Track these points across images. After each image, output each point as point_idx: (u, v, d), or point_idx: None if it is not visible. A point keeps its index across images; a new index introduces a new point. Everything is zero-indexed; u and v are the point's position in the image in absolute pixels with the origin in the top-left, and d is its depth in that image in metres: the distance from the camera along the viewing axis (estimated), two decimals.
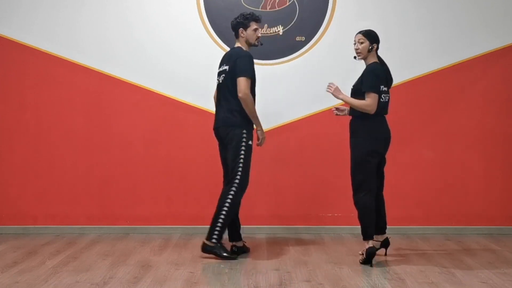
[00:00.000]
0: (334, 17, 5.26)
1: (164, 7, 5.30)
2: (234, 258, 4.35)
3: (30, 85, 5.31)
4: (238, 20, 4.43)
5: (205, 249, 4.36)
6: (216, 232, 4.31)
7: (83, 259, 4.38)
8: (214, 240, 4.32)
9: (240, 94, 4.26)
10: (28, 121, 5.32)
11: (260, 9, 5.27)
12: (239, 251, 4.48)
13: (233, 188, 4.31)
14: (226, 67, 4.39)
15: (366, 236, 4.19)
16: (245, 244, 4.59)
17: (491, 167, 5.34)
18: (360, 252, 4.45)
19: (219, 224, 4.30)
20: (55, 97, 5.31)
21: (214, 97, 4.59)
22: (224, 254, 4.34)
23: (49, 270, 4.07)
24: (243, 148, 4.32)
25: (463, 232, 5.29)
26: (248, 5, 5.25)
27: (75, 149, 5.32)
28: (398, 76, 5.03)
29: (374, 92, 4.14)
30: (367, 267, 4.16)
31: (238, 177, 4.31)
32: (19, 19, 5.26)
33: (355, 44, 4.27)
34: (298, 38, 5.30)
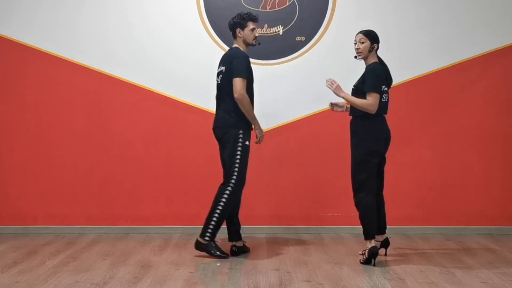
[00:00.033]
0: (334, 17, 5.26)
1: (164, 7, 5.30)
2: (226, 257, 4.37)
3: (30, 85, 5.31)
4: (235, 20, 4.43)
5: (198, 246, 4.41)
6: (209, 230, 4.34)
7: (83, 259, 4.38)
8: (207, 238, 4.36)
9: (236, 95, 4.27)
10: (28, 121, 5.32)
11: (260, 9, 5.27)
12: (239, 251, 4.48)
13: (229, 188, 4.34)
14: (223, 68, 4.40)
15: (368, 235, 4.19)
16: (245, 244, 4.59)
17: (491, 167, 5.34)
18: (360, 252, 4.45)
19: (212, 223, 4.34)
20: (55, 97, 5.31)
21: (216, 98, 4.60)
22: (217, 252, 4.37)
23: (49, 270, 4.07)
24: (239, 148, 4.33)
25: (463, 232, 5.29)
26: (248, 5, 5.25)
27: (75, 149, 5.32)
28: (398, 76, 5.03)
29: (376, 92, 4.15)
30: (367, 267, 4.16)
31: (234, 177, 4.33)
32: (19, 19, 5.26)
33: (355, 43, 4.27)
34: (298, 38, 5.30)
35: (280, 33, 5.30)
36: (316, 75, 5.17)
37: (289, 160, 5.34)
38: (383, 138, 4.29)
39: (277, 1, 5.28)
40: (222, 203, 4.33)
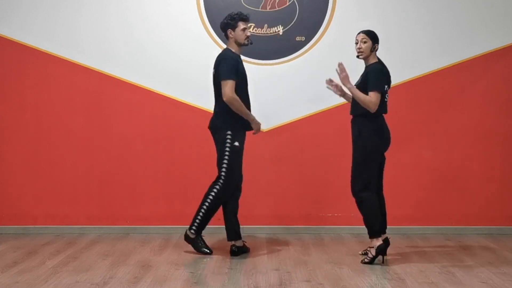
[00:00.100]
0: (334, 17, 5.26)
1: (164, 7, 5.30)
2: (211, 253, 4.48)
3: (30, 85, 5.30)
4: (225, 21, 4.44)
5: (186, 238, 4.55)
6: (195, 224, 4.47)
7: (83, 259, 4.38)
8: (192, 231, 4.48)
9: (224, 98, 4.30)
10: (28, 121, 5.32)
11: (260, 9, 5.27)
12: (239, 251, 4.48)
13: (217, 187, 4.41)
14: (214, 70, 4.45)
15: (375, 234, 4.20)
16: (245, 244, 4.59)
17: (491, 167, 5.34)
18: (361, 252, 4.46)
19: (199, 217, 4.46)
20: (55, 97, 5.31)
21: None
22: (202, 248, 4.49)
23: (49, 270, 4.07)
24: (227, 149, 4.37)
25: (463, 232, 5.29)
26: (248, 5, 5.25)
27: (75, 149, 5.32)
28: (398, 76, 5.03)
29: (379, 91, 4.15)
30: (367, 266, 4.15)
31: (222, 177, 4.40)
32: (19, 19, 5.26)
33: (357, 43, 4.26)
34: (298, 38, 5.30)
35: (280, 33, 5.30)
36: (316, 75, 5.16)
37: (289, 160, 5.34)
38: (386, 137, 4.30)
39: (277, 1, 5.28)
40: (209, 200, 4.42)
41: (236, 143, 4.38)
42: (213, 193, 4.41)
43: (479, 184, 5.34)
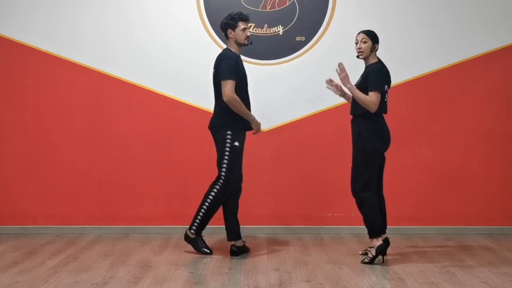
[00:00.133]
0: (334, 17, 5.26)
1: (164, 7, 5.30)
2: (211, 253, 4.48)
3: (30, 85, 5.30)
4: (225, 21, 4.45)
5: (186, 238, 4.56)
6: (195, 224, 4.48)
7: (83, 259, 4.38)
8: (192, 231, 4.49)
9: (224, 98, 4.31)
10: (28, 121, 5.32)
11: (260, 9, 5.27)
12: (239, 251, 4.48)
13: (217, 187, 4.42)
14: (214, 70, 4.45)
15: (375, 233, 4.21)
16: (245, 244, 4.59)
17: (491, 167, 5.34)
18: (361, 252, 4.46)
19: (199, 217, 4.47)
20: (55, 97, 5.31)
21: None
22: (202, 248, 4.50)
23: (49, 270, 4.07)
24: (227, 149, 4.37)
25: (463, 232, 5.29)
26: (248, 5, 5.25)
27: (75, 149, 5.32)
28: (398, 76, 5.03)
29: (379, 91, 4.15)
30: (367, 266, 4.15)
31: (222, 177, 4.41)
32: (19, 19, 5.26)
33: (357, 43, 4.26)
34: (298, 38, 5.30)
35: (280, 33, 5.29)
36: (316, 75, 5.16)
37: (289, 160, 5.34)
38: (386, 137, 4.30)
39: (277, 1, 5.28)
40: (209, 200, 4.43)
41: (236, 143, 4.39)
42: (213, 193, 4.42)
43: (479, 184, 5.34)
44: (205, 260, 4.33)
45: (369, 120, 4.21)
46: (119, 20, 5.29)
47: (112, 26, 5.28)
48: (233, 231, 4.50)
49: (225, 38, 4.55)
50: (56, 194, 5.33)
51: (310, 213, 5.35)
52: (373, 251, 4.19)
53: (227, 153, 4.37)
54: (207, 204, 4.43)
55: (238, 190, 4.55)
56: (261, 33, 5.26)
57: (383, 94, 4.19)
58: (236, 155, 4.41)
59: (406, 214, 5.31)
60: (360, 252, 4.49)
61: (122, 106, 5.32)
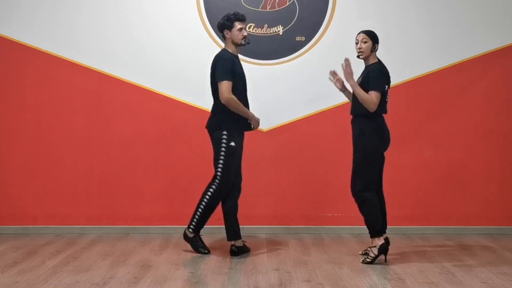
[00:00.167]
0: (334, 17, 5.26)
1: (164, 7, 5.30)
2: (208, 253, 4.51)
3: (30, 85, 5.30)
4: (221, 22, 4.45)
5: (185, 237, 4.58)
6: (193, 223, 4.50)
7: (83, 259, 4.38)
8: (190, 230, 4.51)
9: (222, 99, 4.32)
10: (28, 121, 5.32)
11: (260, 9, 5.27)
12: (239, 251, 4.48)
13: (213, 186, 4.44)
14: (211, 71, 4.46)
15: (377, 233, 4.21)
16: (245, 244, 4.59)
17: (491, 167, 5.34)
18: (361, 252, 4.46)
19: (196, 216, 4.49)
20: (55, 97, 5.31)
21: None
22: (200, 248, 4.52)
23: (49, 270, 4.07)
24: (223, 149, 4.38)
25: (463, 232, 5.29)
26: (248, 5, 5.25)
27: (75, 149, 5.32)
28: (398, 76, 5.03)
29: (380, 91, 4.15)
30: (367, 266, 4.15)
31: (218, 177, 4.42)
32: (19, 19, 5.26)
33: (357, 43, 4.26)
34: (298, 38, 5.30)
35: (280, 33, 5.30)
36: (316, 75, 5.17)
37: (289, 160, 5.34)
38: (386, 137, 4.30)
39: (277, 1, 5.28)
40: (206, 199, 4.44)
41: (232, 143, 4.39)
42: (209, 193, 4.43)
43: (479, 184, 5.34)
44: (205, 260, 4.30)
45: (369, 120, 4.21)
46: (119, 20, 5.29)
47: (112, 26, 5.28)
48: (233, 231, 4.50)
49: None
50: (56, 194, 5.33)
51: (310, 213, 5.35)
52: (375, 251, 4.19)
53: (222, 153, 4.38)
54: (204, 203, 4.44)
55: (238, 190, 4.54)
56: (261, 33, 5.26)
57: (383, 94, 4.19)
58: (232, 155, 4.41)
59: (406, 214, 5.31)
60: (360, 252, 4.49)
61: (122, 106, 5.32)
